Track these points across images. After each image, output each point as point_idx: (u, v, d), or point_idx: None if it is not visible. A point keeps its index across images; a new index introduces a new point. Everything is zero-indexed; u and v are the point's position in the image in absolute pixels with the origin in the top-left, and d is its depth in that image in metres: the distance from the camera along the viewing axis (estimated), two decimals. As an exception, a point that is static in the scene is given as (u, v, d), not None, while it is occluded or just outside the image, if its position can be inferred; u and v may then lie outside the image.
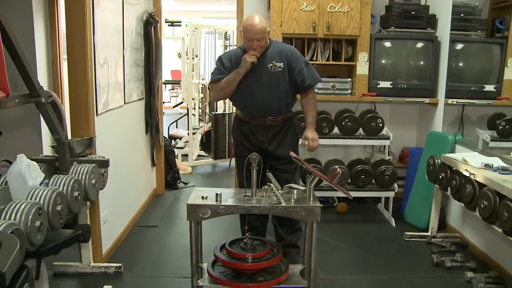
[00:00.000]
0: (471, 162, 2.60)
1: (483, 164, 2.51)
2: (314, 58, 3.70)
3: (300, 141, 2.80)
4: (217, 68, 2.74)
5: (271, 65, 2.62)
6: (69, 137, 2.46)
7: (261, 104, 2.66)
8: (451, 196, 2.85)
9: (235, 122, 2.90)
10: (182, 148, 5.80)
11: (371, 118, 3.56)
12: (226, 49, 5.88)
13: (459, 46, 3.63)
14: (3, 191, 1.73)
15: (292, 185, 2.07)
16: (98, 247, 2.76)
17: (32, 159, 1.91)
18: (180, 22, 5.78)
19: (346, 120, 3.53)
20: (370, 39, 3.63)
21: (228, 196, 2.00)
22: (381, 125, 3.56)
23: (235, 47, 4.00)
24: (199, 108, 6.25)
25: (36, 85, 1.89)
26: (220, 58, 2.77)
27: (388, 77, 3.69)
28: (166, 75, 9.57)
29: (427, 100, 3.65)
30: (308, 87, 2.70)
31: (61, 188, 1.91)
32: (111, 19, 2.98)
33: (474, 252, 3.08)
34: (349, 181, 3.59)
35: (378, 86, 3.66)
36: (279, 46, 2.71)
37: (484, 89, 3.42)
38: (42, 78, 3.10)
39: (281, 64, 2.63)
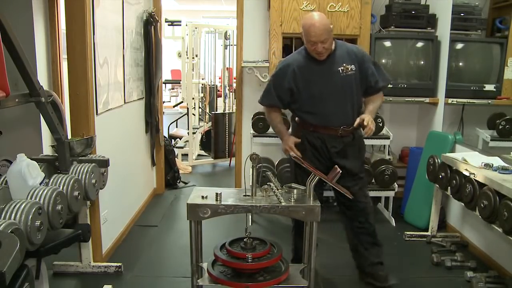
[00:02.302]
0: (471, 162, 2.60)
1: (483, 164, 2.51)
2: (314, 58, 3.70)
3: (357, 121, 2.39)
4: (267, 90, 2.53)
5: (342, 68, 2.35)
6: (69, 136, 2.46)
7: (335, 112, 2.41)
8: (451, 195, 2.85)
9: (297, 132, 2.55)
10: (182, 147, 5.81)
11: (371, 117, 3.56)
12: (226, 48, 5.89)
13: (459, 46, 3.63)
14: (3, 191, 1.73)
15: (292, 184, 2.08)
16: (98, 247, 2.77)
17: (32, 159, 1.91)
18: (180, 21, 5.78)
19: (346, 119, 3.52)
20: (370, 38, 3.62)
21: (228, 195, 2.00)
22: (381, 124, 3.56)
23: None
24: (199, 107, 6.25)
25: (36, 85, 1.89)
26: (273, 76, 2.53)
27: (388, 77, 3.69)
28: (166, 74, 9.57)
29: (427, 100, 3.65)
30: (381, 89, 2.45)
31: (61, 187, 1.91)
32: (111, 18, 2.98)
33: (474, 251, 3.08)
34: (349, 180, 3.58)
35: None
36: (345, 47, 2.43)
37: (484, 89, 3.42)
38: (42, 77, 3.10)
39: (352, 66, 2.36)
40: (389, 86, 3.54)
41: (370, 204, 2.60)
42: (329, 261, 2.90)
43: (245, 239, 2.01)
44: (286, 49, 3.72)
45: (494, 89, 3.34)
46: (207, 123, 6.08)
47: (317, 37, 2.25)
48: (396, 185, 3.61)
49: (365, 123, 2.29)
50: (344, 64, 2.36)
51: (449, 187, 2.84)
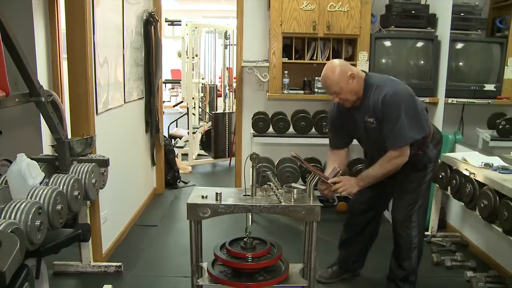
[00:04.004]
0: (471, 162, 2.60)
1: (483, 164, 2.51)
2: (314, 58, 3.71)
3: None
4: (329, 134, 2.56)
5: (365, 120, 2.22)
6: (69, 136, 2.46)
7: (369, 152, 2.47)
8: (451, 195, 2.85)
9: None
10: (182, 147, 5.81)
11: (371, 117, 3.55)
12: (226, 48, 5.89)
13: (459, 46, 3.62)
14: (3, 191, 1.73)
15: (292, 184, 2.08)
16: (98, 246, 2.77)
17: (32, 158, 1.91)
18: (180, 21, 5.79)
19: (346, 119, 3.52)
20: (370, 38, 3.63)
21: (228, 195, 2.00)
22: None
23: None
24: (199, 107, 6.25)
25: (36, 85, 1.89)
26: (327, 120, 2.55)
27: (388, 77, 3.69)
28: (166, 74, 9.57)
29: (427, 100, 3.64)
30: (389, 148, 2.17)
31: (61, 187, 1.90)
32: (111, 18, 2.98)
33: (474, 251, 3.08)
34: (349, 180, 3.58)
35: (378, 86, 3.66)
36: (372, 95, 2.17)
37: (484, 89, 3.42)
38: (42, 77, 3.10)
39: (372, 119, 2.19)
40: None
41: (413, 243, 2.35)
42: (329, 260, 2.90)
43: (245, 239, 2.01)
44: (286, 49, 3.72)
45: (494, 89, 3.34)
46: (207, 122, 6.09)
47: (327, 90, 2.25)
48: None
49: (336, 186, 2.23)
50: (366, 117, 2.21)
51: (449, 187, 2.84)
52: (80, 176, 2.12)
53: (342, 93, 2.18)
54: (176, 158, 4.89)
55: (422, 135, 2.17)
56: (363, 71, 2.28)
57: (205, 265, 2.04)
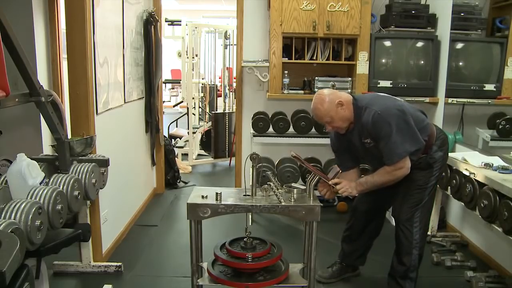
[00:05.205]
0: (471, 162, 2.60)
1: (483, 164, 2.51)
2: (314, 58, 3.71)
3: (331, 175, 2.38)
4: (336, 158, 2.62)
5: (363, 141, 2.27)
6: (69, 136, 2.46)
7: (374, 166, 2.46)
8: (451, 195, 2.85)
9: None
10: (182, 147, 5.81)
11: (371, 117, 3.55)
12: (226, 48, 5.89)
13: (459, 46, 3.62)
14: (3, 191, 1.73)
15: (292, 184, 2.08)
16: (98, 246, 2.77)
17: (32, 158, 1.91)
18: (180, 21, 5.78)
19: (346, 119, 3.52)
20: (370, 38, 3.62)
21: (228, 195, 2.00)
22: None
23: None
24: (199, 107, 6.25)
25: (36, 84, 1.89)
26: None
27: (388, 77, 3.69)
28: (166, 74, 9.57)
29: (427, 100, 3.65)
30: (386, 164, 2.21)
31: (61, 187, 1.91)
32: (111, 18, 2.98)
33: (474, 251, 3.08)
34: (349, 180, 3.58)
35: (378, 86, 3.66)
36: (363, 117, 2.19)
37: (484, 89, 3.42)
38: (42, 77, 3.10)
39: (369, 140, 2.24)
40: (390, 85, 3.62)
41: (414, 239, 2.33)
42: (329, 260, 2.90)
43: (245, 239, 2.01)
44: (286, 49, 3.72)
45: (494, 89, 3.34)
46: (207, 122, 6.09)
47: (319, 120, 2.31)
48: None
49: (337, 187, 2.28)
50: (363, 138, 2.27)
51: (449, 187, 2.84)
52: (80, 176, 2.12)
53: (333, 122, 2.23)
54: (176, 158, 4.89)
55: (418, 147, 2.19)
56: (351, 94, 2.31)
57: (205, 265, 2.04)
